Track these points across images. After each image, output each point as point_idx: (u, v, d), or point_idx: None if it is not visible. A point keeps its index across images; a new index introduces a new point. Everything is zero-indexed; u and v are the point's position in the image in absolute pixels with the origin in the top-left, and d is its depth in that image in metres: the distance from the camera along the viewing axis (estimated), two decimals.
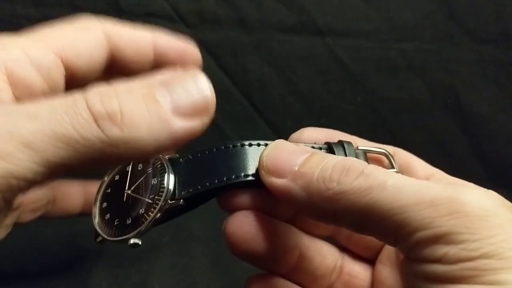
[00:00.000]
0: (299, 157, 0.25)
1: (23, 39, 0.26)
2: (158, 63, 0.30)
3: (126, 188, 0.29)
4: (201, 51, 0.55)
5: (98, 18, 0.30)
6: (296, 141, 0.30)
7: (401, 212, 0.21)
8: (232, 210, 0.28)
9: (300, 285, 0.30)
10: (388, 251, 0.30)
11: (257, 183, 0.27)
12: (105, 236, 0.29)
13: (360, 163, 0.23)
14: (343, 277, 0.31)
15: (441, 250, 0.20)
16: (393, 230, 0.21)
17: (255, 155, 0.28)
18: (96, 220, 0.29)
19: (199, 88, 0.24)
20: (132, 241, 0.28)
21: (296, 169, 0.24)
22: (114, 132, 0.20)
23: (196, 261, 0.53)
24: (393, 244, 0.23)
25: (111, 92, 0.21)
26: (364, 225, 0.23)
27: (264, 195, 0.28)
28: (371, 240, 0.30)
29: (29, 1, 0.50)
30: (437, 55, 0.55)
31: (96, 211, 0.30)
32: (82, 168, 0.20)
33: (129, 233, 0.28)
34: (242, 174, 0.27)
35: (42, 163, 0.19)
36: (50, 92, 0.27)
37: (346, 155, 0.29)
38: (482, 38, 0.55)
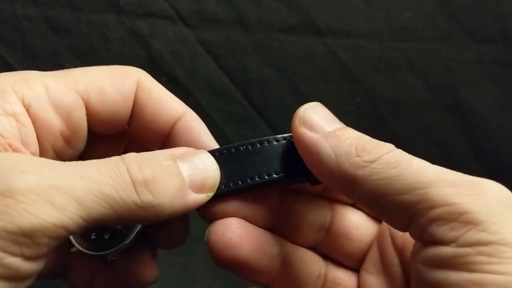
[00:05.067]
0: (335, 123, 0.26)
1: (48, 77, 0.26)
2: (171, 142, 0.30)
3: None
4: (201, 51, 0.55)
5: (138, 71, 0.29)
6: None
7: (423, 187, 0.21)
8: (213, 218, 0.28)
9: None
10: (373, 259, 0.30)
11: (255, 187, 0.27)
12: (82, 249, 0.28)
13: (391, 145, 0.24)
14: (328, 284, 0.30)
15: (459, 230, 0.20)
16: (412, 205, 0.21)
17: (254, 157, 0.28)
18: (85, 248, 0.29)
19: (209, 168, 0.27)
20: (110, 257, 0.28)
21: (331, 130, 0.25)
22: (148, 197, 0.23)
23: (196, 261, 0.53)
24: (406, 224, 0.22)
25: (145, 160, 0.24)
26: (379, 198, 0.23)
27: (246, 203, 0.28)
28: (352, 249, 0.30)
29: (29, 1, 0.50)
30: (437, 55, 0.55)
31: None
32: (111, 224, 0.23)
33: (107, 249, 0.28)
34: (240, 180, 0.27)
35: (86, 218, 0.21)
36: (70, 133, 0.27)
37: None
38: (482, 38, 0.55)
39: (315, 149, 0.25)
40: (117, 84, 0.28)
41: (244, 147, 0.28)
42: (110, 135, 0.30)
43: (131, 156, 0.24)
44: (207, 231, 0.27)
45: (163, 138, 0.30)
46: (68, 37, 0.52)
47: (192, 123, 0.29)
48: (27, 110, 0.25)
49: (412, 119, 0.57)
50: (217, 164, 0.27)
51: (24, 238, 0.20)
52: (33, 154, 0.25)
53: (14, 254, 0.20)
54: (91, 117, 0.28)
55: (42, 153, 0.27)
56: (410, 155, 0.23)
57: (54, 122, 0.26)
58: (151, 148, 0.31)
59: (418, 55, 0.55)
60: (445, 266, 0.20)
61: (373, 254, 0.30)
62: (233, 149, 0.28)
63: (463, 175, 0.22)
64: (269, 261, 0.29)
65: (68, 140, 0.28)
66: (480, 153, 0.58)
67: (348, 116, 0.56)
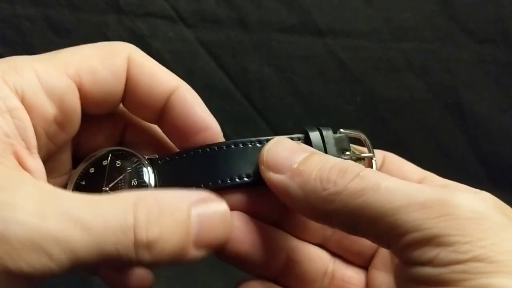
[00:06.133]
0: (299, 155, 0.25)
1: (37, 62, 0.25)
2: (166, 116, 0.29)
3: (104, 185, 0.28)
4: (201, 51, 0.55)
5: (128, 46, 0.29)
6: None
7: (392, 214, 0.21)
8: None
9: None
10: (382, 256, 0.30)
11: (253, 183, 0.27)
12: None
13: (357, 167, 0.24)
14: (336, 282, 0.30)
15: (431, 252, 0.20)
16: (385, 232, 0.22)
17: (245, 155, 0.28)
18: None
19: (224, 228, 0.25)
20: None
21: (295, 166, 0.25)
22: (145, 257, 0.22)
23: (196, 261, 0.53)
24: (387, 246, 0.23)
25: (158, 213, 0.22)
26: (357, 226, 0.23)
27: (250, 197, 0.28)
28: (362, 247, 0.30)
29: (29, 1, 0.50)
30: (437, 55, 0.55)
31: None
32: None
33: None
34: (237, 176, 0.28)
35: (75, 266, 0.20)
36: (63, 117, 0.26)
37: (324, 141, 0.29)
38: (482, 38, 0.55)
39: (284, 192, 0.25)
40: (108, 63, 0.27)
41: (243, 145, 0.29)
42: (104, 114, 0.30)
43: (144, 207, 0.22)
44: None
45: (158, 112, 0.29)
46: (68, 37, 0.52)
47: (187, 94, 0.29)
48: (21, 100, 0.24)
49: (412, 119, 0.57)
50: (230, 224, 0.25)
51: (6, 278, 0.19)
52: (31, 148, 0.24)
53: None
54: (84, 99, 0.27)
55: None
56: (378, 176, 0.23)
57: (48, 109, 0.25)
58: (146, 126, 0.31)
59: (418, 55, 0.55)
60: (425, 283, 0.21)
61: (383, 251, 0.30)
62: (234, 145, 0.28)
63: (432, 192, 0.21)
64: (272, 256, 0.29)
65: (61, 124, 0.27)
66: (480, 153, 0.58)
67: (348, 116, 0.56)
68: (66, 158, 0.29)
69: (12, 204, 0.20)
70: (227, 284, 0.52)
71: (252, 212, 0.28)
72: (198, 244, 0.24)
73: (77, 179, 0.29)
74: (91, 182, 0.29)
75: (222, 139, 0.30)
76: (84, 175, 0.29)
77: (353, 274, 0.31)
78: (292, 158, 0.25)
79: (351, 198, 0.22)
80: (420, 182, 0.29)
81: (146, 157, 0.29)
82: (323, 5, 0.53)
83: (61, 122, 0.27)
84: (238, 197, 0.28)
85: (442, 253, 0.20)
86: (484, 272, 0.19)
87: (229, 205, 0.27)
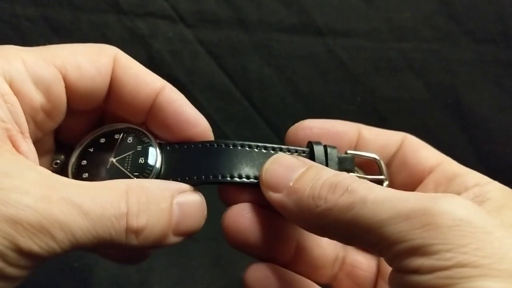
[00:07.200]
0: (296, 171, 0.27)
1: (24, 52, 0.26)
2: (154, 115, 0.30)
3: (112, 156, 0.29)
4: (201, 51, 0.55)
5: (114, 48, 0.29)
6: (294, 135, 0.32)
7: (379, 226, 0.22)
8: (231, 203, 0.29)
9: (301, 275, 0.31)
10: None
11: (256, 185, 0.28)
12: None
13: (348, 179, 0.24)
14: (346, 267, 0.32)
15: (417, 261, 0.21)
16: (376, 243, 0.23)
17: (257, 158, 0.29)
18: (71, 175, 0.29)
19: (199, 218, 0.27)
20: None
21: (291, 184, 0.26)
22: (133, 241, 0.24)
23: (196, 261, 0.53)
24: (380, 255, 0.24)
25: (146, 201, 0.25)
26: (350, 238, 0.24)
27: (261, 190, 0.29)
28: None
29: (29, 1, 0.50)
30: (437, 55, 0.55)
31: (72, 164, 0.29)
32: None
33: None
34: (238, 175, 0.29)
35: (74, 247, 0.22)
36: (50, 106, 0.27)
37: (326, 158, 0.30)
38: (482, 38, 0.55)
39: (283, 209, 0.26)
40: (94, 60, 0.28)
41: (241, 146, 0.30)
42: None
43: (135, 195, 0.24)
44: (223, 215, 0.29)
45: (145, 112, 0.30)
46: (68, 37, 0.52)
47: (174, 94, 0.30)
48: (9, 87, 0.25)
49: (412, 119, 0.57)
50: (205, 214, 0.28)
51: (17, 255, 0.21)
52: (24, 133, 0.25)
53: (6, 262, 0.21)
54: (69, 92, 0.28)
55: None
56: (366, 189, 0.23)
57: (35, 97, 0.26)
58: (128, 119, 0.31)
59: (418, 55, 0.55)
60: None
61: None
62: (241, 146, 0.30)
63: (415, 202, 0.22)
64: (282, 244, 0.30)
65: (48, 113, 0.27)
66: (480, 153, 0.57)
67: (348, 116, 0.56)
68: (48, 139, 0.30)
69: (21, 189, 0.21)
70: (227, 284, 0.52)
71: (263, 203, 0.29)
72: (177, 232, 0.26)
73: (86, 145, 0.30)
74: (99, 150, 0.30)
75: (211, 135, 0.30)
76: (94, 143, 0.30)
77: (364, 260, 0.32)
78: (289, 176, 0.27)
79: (342, 213, 0.23)
80: (434, 168, 0.31)
81: (158, 141, 0.30)
82: (323, 5, 0.53)
83: (48, 110, 0.27)
84: (249, 190, 0.29)
85: (427, 262, 0.21)
86: (468, 276, 0.20)
87: (244, 197, 0.29)
